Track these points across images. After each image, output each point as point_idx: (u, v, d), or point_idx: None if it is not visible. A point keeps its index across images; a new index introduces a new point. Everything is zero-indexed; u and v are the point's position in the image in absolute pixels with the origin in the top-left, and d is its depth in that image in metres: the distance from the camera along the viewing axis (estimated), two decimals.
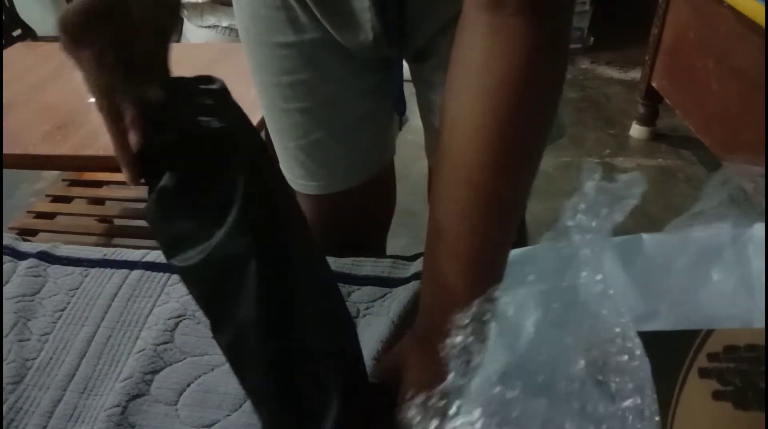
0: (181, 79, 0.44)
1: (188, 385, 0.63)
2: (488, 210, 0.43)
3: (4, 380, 0.63)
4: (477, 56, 0.42)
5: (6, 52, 1.58)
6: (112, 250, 0.80)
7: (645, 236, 0.59)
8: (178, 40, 2.74)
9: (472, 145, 0.42)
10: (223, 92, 0.44)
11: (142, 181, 0.44)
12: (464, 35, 0.43)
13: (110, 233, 1.65)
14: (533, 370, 0.47)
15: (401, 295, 0.70)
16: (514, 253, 0.59)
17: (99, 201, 1.73)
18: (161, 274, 0.76)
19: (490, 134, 0.41)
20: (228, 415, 0.60)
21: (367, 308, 0.67)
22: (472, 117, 0.42)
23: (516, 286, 0.56)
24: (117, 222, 1.71)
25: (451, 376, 0.41)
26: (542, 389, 0.47)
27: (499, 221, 0.44)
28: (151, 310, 0.71)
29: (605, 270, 0.57)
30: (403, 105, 0.76)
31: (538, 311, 0.53)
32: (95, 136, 1.27)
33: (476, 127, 0.42)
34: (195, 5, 2.51)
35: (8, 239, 0.83)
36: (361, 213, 0.84)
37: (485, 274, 0.43)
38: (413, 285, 0.71)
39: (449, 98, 0.44)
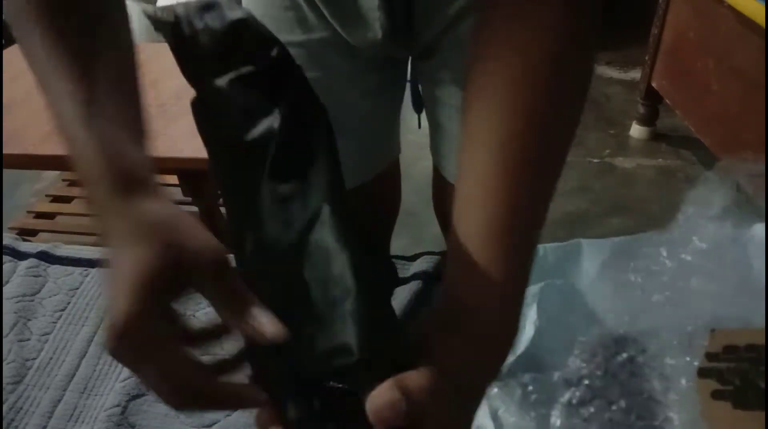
0: None
1: None
2: (520, 188, 0.40)
3: (4, 380, 0.63)
4: (502, 48, 0.40)
5: (6, 52, 1.58)
6: None
7: (644, 236, 0.59)
8: None
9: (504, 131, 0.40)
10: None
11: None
12: (483, 37, 0.41)
13: None
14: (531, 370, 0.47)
15: (401, 295, 0.70)
16: None
17: None
18: None
19: (524, 118, 0.39)
20: (228, 415, 0.60)
21: None
22: (504, 99, 0.40)
23: None
24: None
25: None
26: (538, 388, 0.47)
27: (531, 200, 0.41)
28: None
29: (605, 269, 0.57)
30: (421, 102, 0.76)
31: (537, 311, 0.53)
32: None
33: (509, 110, 0.40)
34: None
35: (8, 239, 0.83)
36: (366, 210, 0.84)
37: (518, 246, 0.41)
38: (413, 285, 0.71)
39: (475, 98, 0.42)
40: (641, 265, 0.51)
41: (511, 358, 0.50)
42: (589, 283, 0.56)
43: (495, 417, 0.47)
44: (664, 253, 0.51)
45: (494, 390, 0.48)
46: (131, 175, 0.37)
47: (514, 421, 0.46)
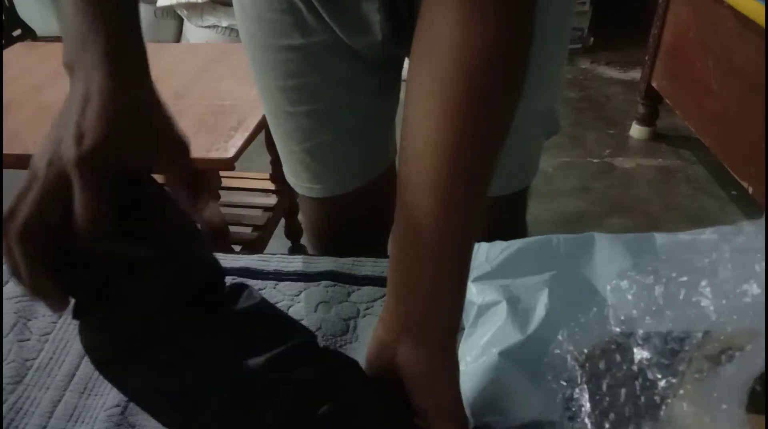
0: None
1: None
2: (455, 177, 0.43)
3: (4, 380, 0.63)
4: (445, 28, 0.43)
5: (6, 52, 1.58)
6: None
7: (657, 235, 0.59)
8: (178, 40, 2.74)
9: (437, 121, 0.43)
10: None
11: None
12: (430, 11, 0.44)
13: None
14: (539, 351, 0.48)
15: None
16: (529, 241, 0.60)
17: None
18: None
19: (456, 107, 0.42)
20: None
21: (367, 308, 0.67)
22: (440, 90, 0.43)
23: (529, 273, 0.57)
24: None
25: None
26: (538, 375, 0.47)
27: (465, 193, 0.44)
28: None
29: (612, 265, 0.57)
30: None
31: (548, 294, 0.54)
32: None
33: (444, 100, 0.42)
34: (195, 5, 2.51)
35: None
36: (367, 213, 0.84)
37: (455, 246, 0.44)
38: None
39: (414, 70, 0.46)
40: (653, 263, 0.51)
41: (521, 337, 0.52)
42: (600, 276, 0.56)
43: (502, 393, 0.48)
44: (676, 254, 0.51)
45: (505, 366, 0.50)
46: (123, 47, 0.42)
47: (521, 397, 0.47)
